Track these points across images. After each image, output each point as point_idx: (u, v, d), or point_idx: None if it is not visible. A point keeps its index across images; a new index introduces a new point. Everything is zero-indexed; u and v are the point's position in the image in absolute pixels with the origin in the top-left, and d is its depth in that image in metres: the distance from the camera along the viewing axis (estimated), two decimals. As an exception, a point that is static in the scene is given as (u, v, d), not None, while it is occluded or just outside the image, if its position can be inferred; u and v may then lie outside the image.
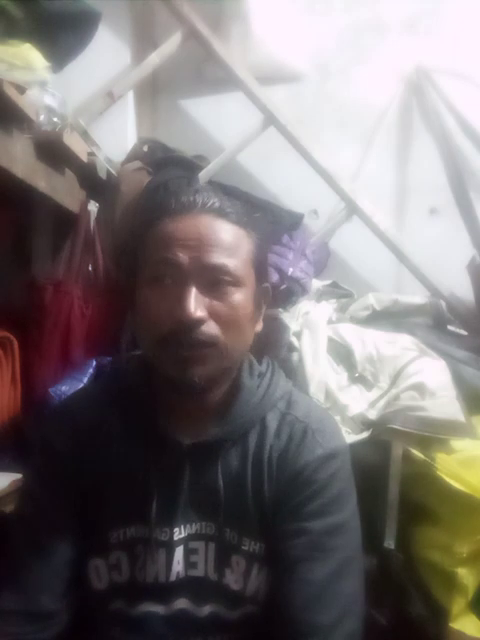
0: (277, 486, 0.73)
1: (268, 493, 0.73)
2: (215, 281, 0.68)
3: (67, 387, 1.16)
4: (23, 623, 0.70)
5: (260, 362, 0.81)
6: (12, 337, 1.20)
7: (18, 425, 1.20)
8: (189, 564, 0.73)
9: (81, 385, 1.17)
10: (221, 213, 0.71)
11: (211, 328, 0.68)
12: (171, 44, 1.50)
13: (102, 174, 1.40)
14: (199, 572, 0.73)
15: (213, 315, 0.68)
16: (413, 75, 1.71)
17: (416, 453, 1.04)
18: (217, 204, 0.71)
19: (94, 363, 1.23)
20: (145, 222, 0.74)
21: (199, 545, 0.73)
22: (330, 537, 0.71)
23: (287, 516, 0.71)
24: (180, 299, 0.66)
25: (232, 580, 0.73)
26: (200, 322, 0.66)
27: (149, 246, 0.71)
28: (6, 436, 1.17)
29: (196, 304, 0.66)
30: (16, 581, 0.72)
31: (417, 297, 1.47)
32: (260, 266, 0.74)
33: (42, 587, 0.72)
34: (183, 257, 0.67)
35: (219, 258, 0.68)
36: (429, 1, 1.67)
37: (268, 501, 0.73)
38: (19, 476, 1.05)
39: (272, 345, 1.16)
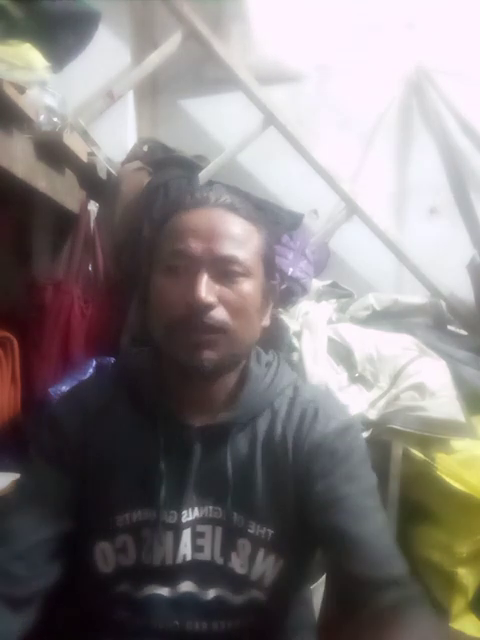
0: (295, 464, 0.74)
1: (283, 475, 0.74)
2: (226, 271, 0.71)
3: (67, 387, 1.16)
4: None
5: (266, 353, 0.84)
6: (12, 337, 1.20)
7: (18, 425, 1.20)
8: (196, 547, 0.74)
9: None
10: (232, 208, 0.74)
11: (221, 314, 0.70)
12: (171, 44, 1.50)
13: (102, 174, 1.40)
14: (205, 556, 0.74)
15: (223, 302, 0.71)
16: (413, 75, 1.71)
17: (416, 453, 1.04)
18: (229, 200, 0.75)
19: (94, 363, 1.23)
20: (161, 217, 0.78)
21: (206, 529, 0.74)
22: (366, 499, 0.72)
23: (318, 489, 0.72)
24: (192, 285, 0.69)
25: (237, 564, 0.74)
26: (210, 307, 0.69)
27: (164, 238, 0.75)
28: (6, 436, 1.17)
29: (207, 289, 0.69)
30: None
31: (417, 297, 1.47)
32: (268, 261, 0.77)
33: (21, 552, 0.71)
34: (196, 247, 0.71)
35: (230, 249, 0.71)
36: (429, 1, 1.67)
37: (284, 483, 0.74)
38: (19, 476, 1.05)
39: (273, 345, 1.16)
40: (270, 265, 0.78)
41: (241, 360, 0.77)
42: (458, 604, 1.02)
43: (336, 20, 1.69)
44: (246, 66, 1.55)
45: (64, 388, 1.16)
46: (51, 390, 1.16)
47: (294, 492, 0.74)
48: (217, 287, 0.70)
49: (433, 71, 1.68)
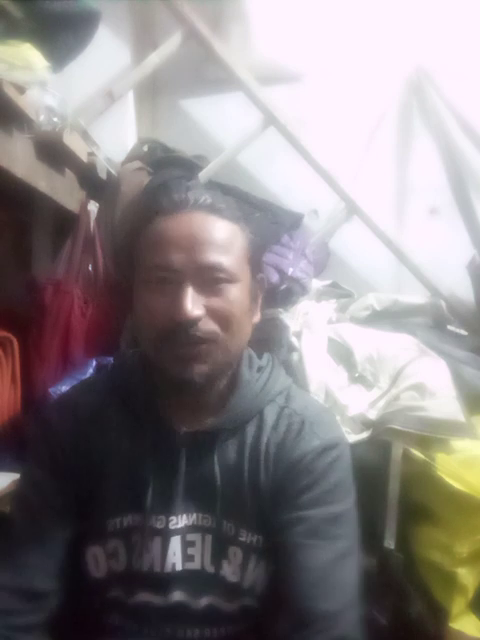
0: (274, 477, 0.73)
1: (265, 485, 0.73)
2: (211, 279, 0.69)
3: (67, 387, 1.16)
4: (13, 600, 0.70)
5: (260, 357, 0.82)
6: (12, 337, 1.20)
7: (18, 425, 1.20)
8: (186, 556, 0.74)
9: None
10: (213, 209, 0.71)
11: (208, 325, 0.68)
12: (171, 44, 1.50)
13: (102, 174, 1.40)
14: (196, 565, 0.74)
15: (210, 312, 0.68)
16: (413, 75, 1.71)
17: (416, 453, 1.04)
18: (209, 200, 0.72)
19: (94, 363, 1.23)
20: (139, 222, 0.75)
21: (196, 537, 0.74)
22: (330, 525, 0.71)
23: (286, 505, 0.72)
24: (176, 299, 0.67)
25: (229, 572, 0.73)
26: (197, 320, 0.67)
27: (144, 247, 0.72)
28: (6, 436, 1.17)
29: (193, 303, 0.67)
30: (9, 559, 0.72)
31: (417, 297, 1.47)
32: (254, 259, 0.75)
33: (35, 567, 0.72)
34: (177, 258, 0.68)
35: (213, 256, 0.68)
36: (429, 1, 1.67)
37: (265, 493, 0.73)
38: (19, 476, 1.05)
39: (272, 345, 1.16)
40: (257, 262, 0.76)
41: (232, 366, 0.76)
42: (458, 604, 1.02)
43: (336, 20, 1.68)
44: (246, 66, 1.54)
45: (64, 388, 1.16)
46: (51, 390, 1.16)
47: (271, 503, 0.73)
48: (203, 298, 0.68)
49: (433, 71, 1.68)
